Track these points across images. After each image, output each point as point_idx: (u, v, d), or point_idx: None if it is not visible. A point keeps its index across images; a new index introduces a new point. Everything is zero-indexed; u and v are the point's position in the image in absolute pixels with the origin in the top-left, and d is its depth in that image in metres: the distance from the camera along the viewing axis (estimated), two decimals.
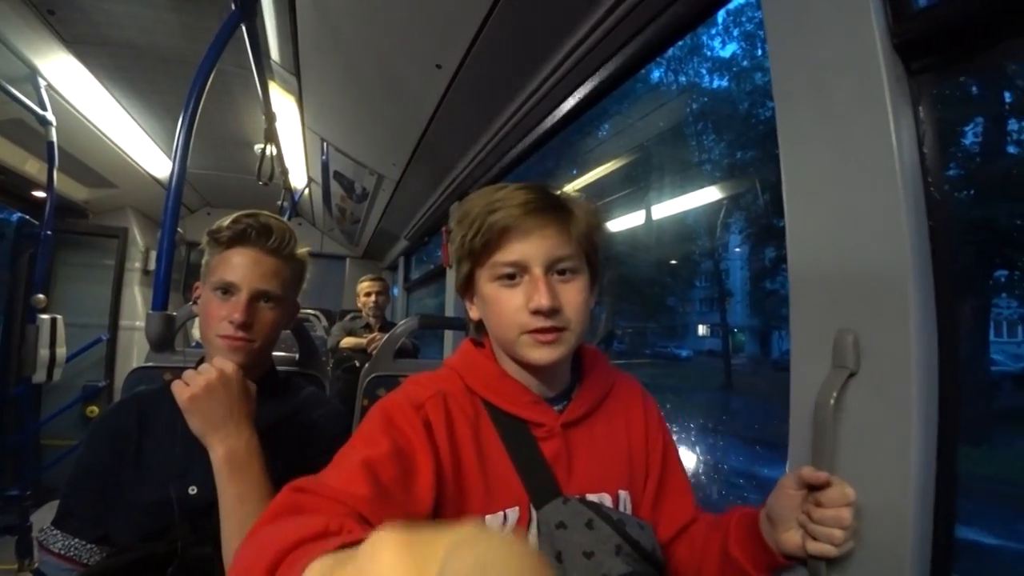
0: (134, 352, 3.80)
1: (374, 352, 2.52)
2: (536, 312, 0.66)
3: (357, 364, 2.60)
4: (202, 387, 0.78)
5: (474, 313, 0.77)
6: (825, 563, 0.63)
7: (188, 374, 0.81)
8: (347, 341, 2.76)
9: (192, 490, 0.86)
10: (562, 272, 0.69)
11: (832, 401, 0.62)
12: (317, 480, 0.56)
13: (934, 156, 0.63)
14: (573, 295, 0.69)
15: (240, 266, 0.89)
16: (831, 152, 0.67)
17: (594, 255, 0.73)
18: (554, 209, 0.69)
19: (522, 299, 0.67)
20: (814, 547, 0.62)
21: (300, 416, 0.99)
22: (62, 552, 0.84)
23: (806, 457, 0.66)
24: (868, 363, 0.62)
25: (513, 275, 0.69)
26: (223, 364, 0.81)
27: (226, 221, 0.91)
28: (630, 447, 0.78)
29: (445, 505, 0.65)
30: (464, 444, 0.69)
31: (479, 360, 0.76)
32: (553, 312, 0.66)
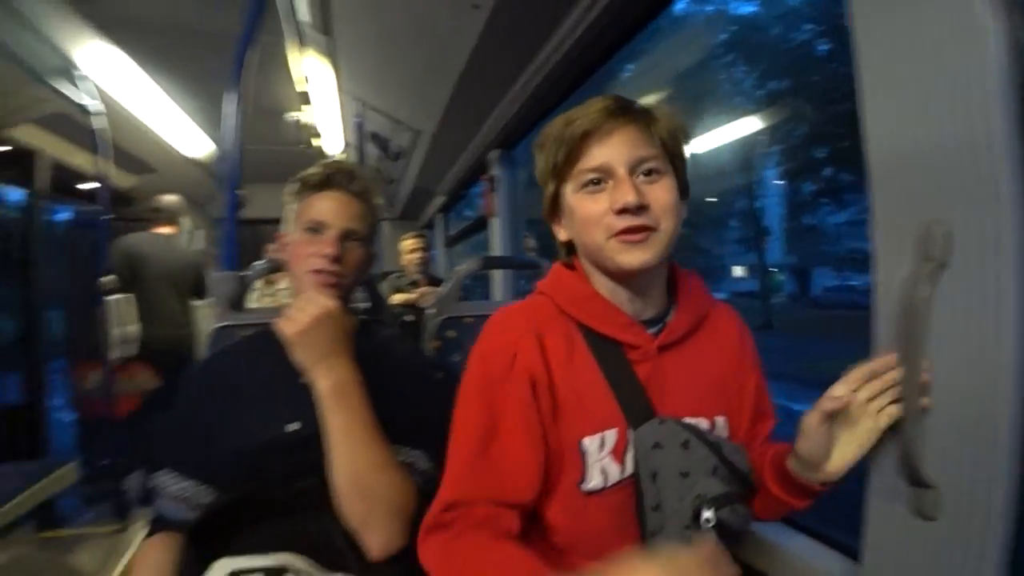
0: None
1: (425, 306, 2.60)
2: (623, 212, 0.65)
3: (409, 318, 2.67)
4: (307, 322, 0.83)
5: (563, 235, 0.77)
6: (916, 457, 0.64)
7: (293, 310, 0.85)
8: (397, 297, 2.84)
9: (291, 427, 0.91)
10: (648, 173, 0.68)
11: (920, 293, 0.62)
12: (460, 492, 0.68)
13: None
14: (661, 193, 0.67)
15: (329, 207, 0.95)
16: (912, 25, 0.63)
17: (680, 161, 0.72)
18: (633, 111, 0.69)
19: (608, 202, 0.67)
20: (884, 420, 0.64)
21: (384, 353, 1.04)
22: (176, 494, 0.91)
23: (893, 351, 0.67)
24: (958, 254, 0.61)
25: (599, 180, 0.68)
26: (327, 301, 0.86)
27: (313, 169, 0.98)
28: (724, 373, 0.78)
29: (548, 427, 0.69)
30: (559, 368, 0.70)
31: (571, 281, 0.76)
32: (640, 209, 0.65)
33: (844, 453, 0.66)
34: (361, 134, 2.87)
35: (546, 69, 1.59)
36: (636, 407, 0.70)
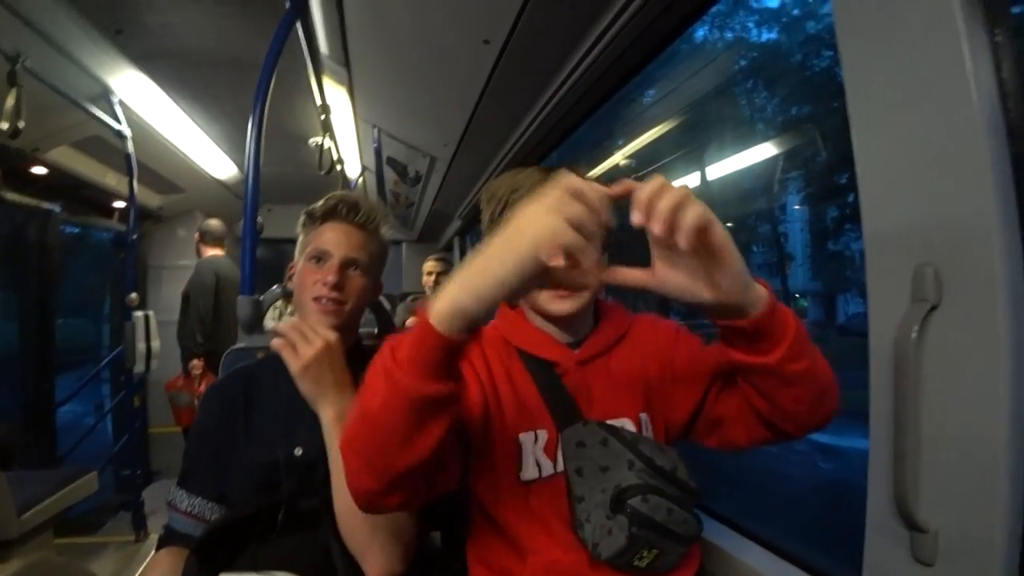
0: None
1: None
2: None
3: None
4: (311, 357, 0.87)
5: None
6: (911, 501, 0.64)
7: (298, 343, 0.89)
8: (412, 321, 2.87)
9: (297, 451, 0.94)
10: None
11: (913, 335, 0.62)
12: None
13: (1013, 80, 0.61)
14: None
15: (331, 237, 1.00)
16: (902, 82, 0.65)
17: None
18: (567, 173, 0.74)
19: None
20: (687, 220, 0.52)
21: None
22: (188, 510, 0.96)
23: (888, 394, 0.66)
24: (950, 295, 0.62)
25: None
26: (327, 335, 0.89)
27: (319, 202, 1.04)
28: (646, 375, 0.86)
29: (490, 420, 0.81)
30: (499, 377, 0.83)
31: (513, 317, 0.90)
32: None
33: (705, 277, 0.59)
34: (379, 159, 2.94)
35: (557, 98, 1.62)
36: (563, 412, 0.81)
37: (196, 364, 3.17)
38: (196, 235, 3.44)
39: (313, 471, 0.92)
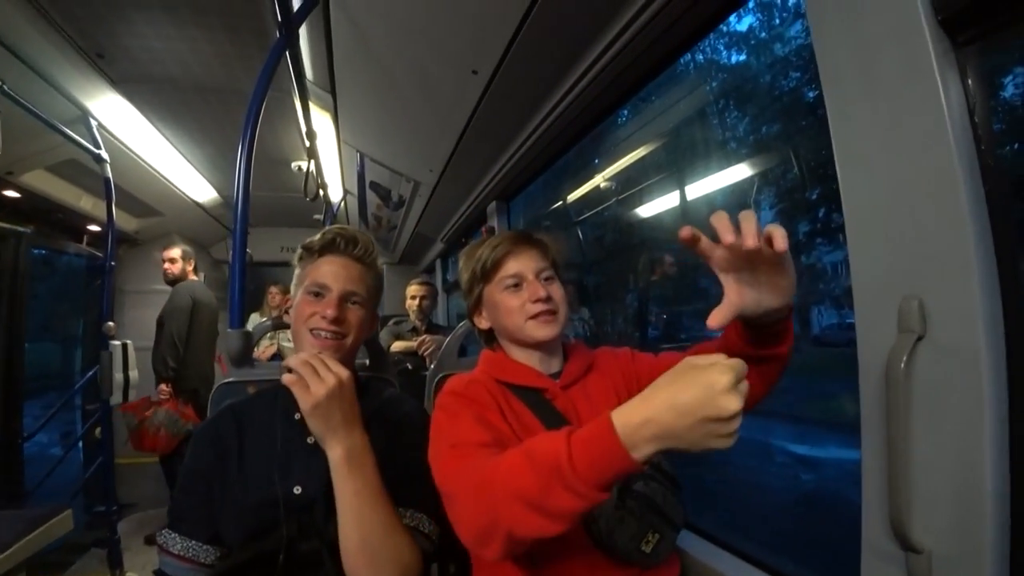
0: None
1: (425, 353, 2.61)
2: (537, 301, 0.96)
3: (409, 367, 2.68)
4: (323, 395, 0.82)
5: (483, 324, 1.06)
6: (905, 522, 0.66)
7: (311, 382, 0.84)
8: (397, 345, 2.85)
9: (296, 490, 0.92)
10: (547, 278, 1.00)
11: (902, 364, 0.65)
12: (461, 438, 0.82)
13: (985, 124, 0.65)
14: (556, 290, 0.99)
15: (330, 271, 1.01)
16: (883, 128, 0.69)
17: (559, 270, 1.04)
18: (533, 240, 1.03)
19: (525, 296, 0.97)
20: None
21: (387, 413, 1.06)
22: (181, 553, 0.91)
23: (880, 420, 0.69)
24: (935, 326, 0.65)
25: (516, 284, 0.99)
26: (341, 373, 0.86)
27: (316, 236, 1.04)
28: (618, 392, 1.00)
29: (511, 433, 0.90)
30: (504, 409, 0.93)
31: (496, 358, 1.03)
32: (548, 299, 0.96)
33: (777, 285, 0.68)
34: (361, 184, 2.94)
35: (544, 127, 1.65)
36: (558, 428, 0.86)
37: (163, 389, 3.10)
38: (173, 259, 3.38)
39: (312, 511, 0.90)
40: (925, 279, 0.66)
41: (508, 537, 0.66)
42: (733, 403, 0.55)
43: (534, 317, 0.96)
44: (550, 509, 0.62)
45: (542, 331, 0.96)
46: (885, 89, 0.69)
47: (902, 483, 0.67)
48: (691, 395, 0.57)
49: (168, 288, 3.42)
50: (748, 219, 0.62)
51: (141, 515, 3.54)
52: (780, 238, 0.62)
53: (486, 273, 1.01)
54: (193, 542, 0.92)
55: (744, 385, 0.58)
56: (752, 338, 0.78)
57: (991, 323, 0.62)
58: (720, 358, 0.59)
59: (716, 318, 0.68)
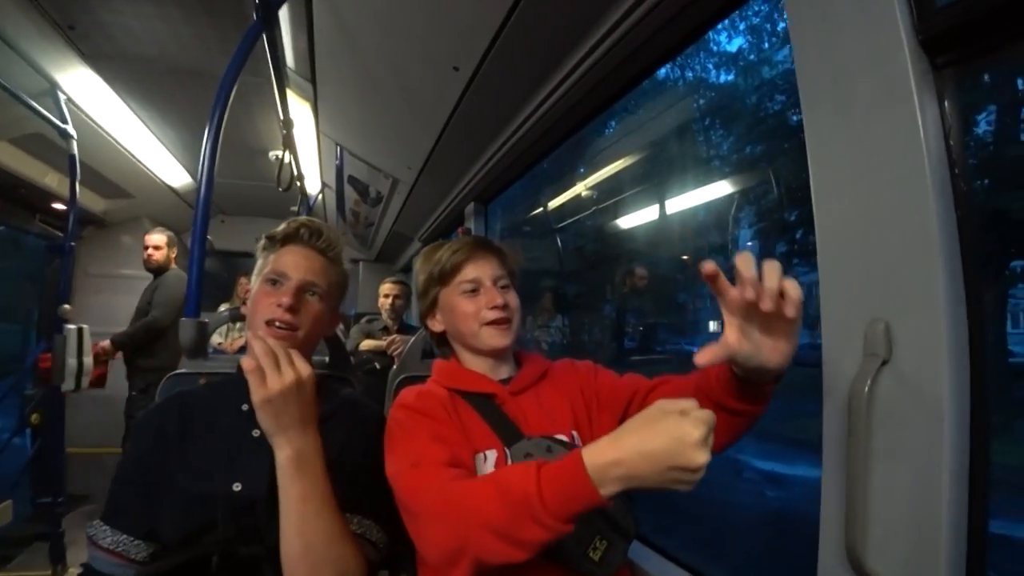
0: None
1: (394, 353, 2.56)
2: (493, 307, 0.97)
3: (377, 366, 2.63)
4: (277, 391, 0.78)
5: (437, 327, 1.06)
6: (860, 549, 0.65)
7: (269, 374, 0.79)
8: (366, 343, 2.80)
9: (236, 487, 0.87)
10: (504, 286, 1.01)
11: (866, 389, 0.64)
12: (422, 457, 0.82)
13: (960, 148, 0.64)
14: (512, 299, 1.01)
15: (290, 260, 0.98)
16: (859, 148, 0.68)
17: (515, 279, 1.06)
18: (492, 247, 1.04)
19: (482, 302, 0.98)
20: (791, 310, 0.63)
21: (342, 416, 1.01)
22: (110, 547, 0.85)
23: (841, 444, 0.68)
24: (900, 351, 0.64)
25: (473, 289, 1.00)
26: (302, 370, 0.81)
27: (281, 226, 1.01)
28: (571, 402, 1.01)
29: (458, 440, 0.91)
30: (453, 417, 0.93)
31: (450, 367, 1.04)
32: (505, 307, 0.98)
33: (777, 347, 0.67)
34: (340, 177, 2.89)
35: (527, 127, 1.63)
36: (507, 432, 0.93)
37: (107, 348, 2.85)
38: (157, 245, 3.20)
39: (253, 511, 0.85)
40: (893, 301, 0.65)
41: (476, 562, 0.68)
42: (701, 457, 0.58)
43: (490, 324, 0.97)
44: (518, 539, 0.65)
45: (496, 339, 0.97)
46: (862, 110, 0.68)
47: (860, 509, 0.66)
48: (661, 444, 0.59)
49: (145, 275, 3.24)
50: (771, 273, 0.61)
51: (92, 507, 3.39)
52: (792, 306, 0.62)
53: (444, 276, 1.02)
54: (124, 536, 0.86)
55: (711, 438, 0.60)
56: (734, 389, 0.76)
57: (956, 351, 0.61)
58: (692, 407, 0.61)
59: (706, 356, 0.67)
